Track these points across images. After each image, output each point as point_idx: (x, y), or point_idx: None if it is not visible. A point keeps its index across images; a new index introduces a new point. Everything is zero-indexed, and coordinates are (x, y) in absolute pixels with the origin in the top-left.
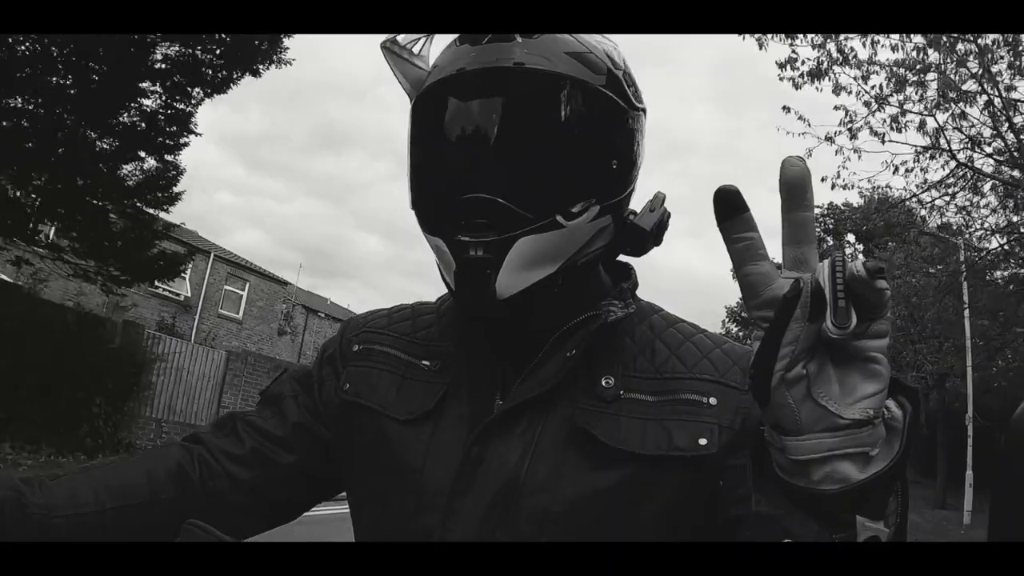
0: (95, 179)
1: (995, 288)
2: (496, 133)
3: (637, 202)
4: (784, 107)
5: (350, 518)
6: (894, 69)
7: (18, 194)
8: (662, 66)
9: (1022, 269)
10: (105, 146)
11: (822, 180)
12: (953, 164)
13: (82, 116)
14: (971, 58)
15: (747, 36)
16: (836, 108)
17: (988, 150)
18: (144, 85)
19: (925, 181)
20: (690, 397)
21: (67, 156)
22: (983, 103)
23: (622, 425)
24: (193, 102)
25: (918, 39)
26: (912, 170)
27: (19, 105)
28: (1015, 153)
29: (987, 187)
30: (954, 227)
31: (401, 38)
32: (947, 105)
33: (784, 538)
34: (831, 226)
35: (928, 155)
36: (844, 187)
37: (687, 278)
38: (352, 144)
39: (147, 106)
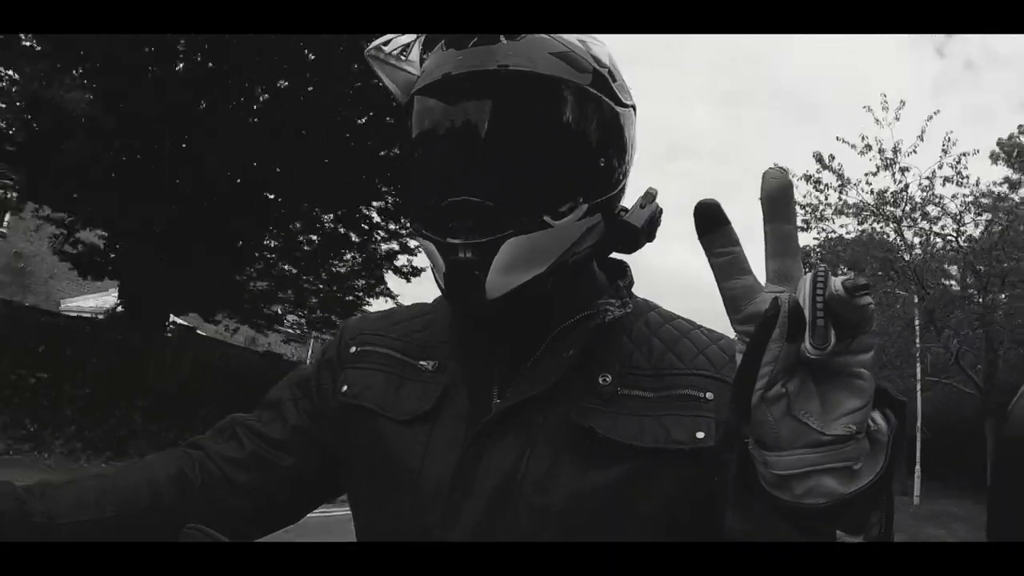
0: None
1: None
2: (482, 136)
3: (632, 200)
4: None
5: (351, 520)
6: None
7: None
8: (662, 66)
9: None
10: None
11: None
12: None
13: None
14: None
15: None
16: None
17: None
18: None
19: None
20: (687, 392)
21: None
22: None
23: (620, 421)
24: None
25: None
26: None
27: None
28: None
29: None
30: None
31: (387, 45)
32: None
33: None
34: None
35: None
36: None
37: (688, 278)
38: None
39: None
